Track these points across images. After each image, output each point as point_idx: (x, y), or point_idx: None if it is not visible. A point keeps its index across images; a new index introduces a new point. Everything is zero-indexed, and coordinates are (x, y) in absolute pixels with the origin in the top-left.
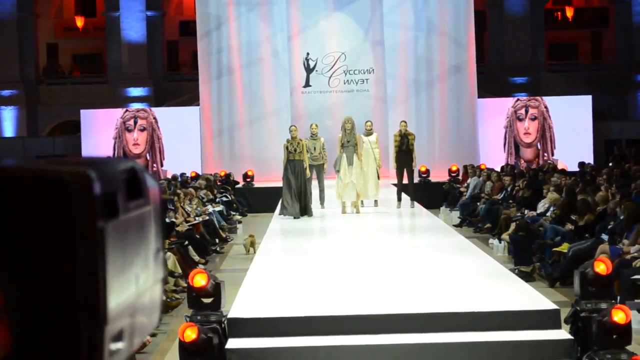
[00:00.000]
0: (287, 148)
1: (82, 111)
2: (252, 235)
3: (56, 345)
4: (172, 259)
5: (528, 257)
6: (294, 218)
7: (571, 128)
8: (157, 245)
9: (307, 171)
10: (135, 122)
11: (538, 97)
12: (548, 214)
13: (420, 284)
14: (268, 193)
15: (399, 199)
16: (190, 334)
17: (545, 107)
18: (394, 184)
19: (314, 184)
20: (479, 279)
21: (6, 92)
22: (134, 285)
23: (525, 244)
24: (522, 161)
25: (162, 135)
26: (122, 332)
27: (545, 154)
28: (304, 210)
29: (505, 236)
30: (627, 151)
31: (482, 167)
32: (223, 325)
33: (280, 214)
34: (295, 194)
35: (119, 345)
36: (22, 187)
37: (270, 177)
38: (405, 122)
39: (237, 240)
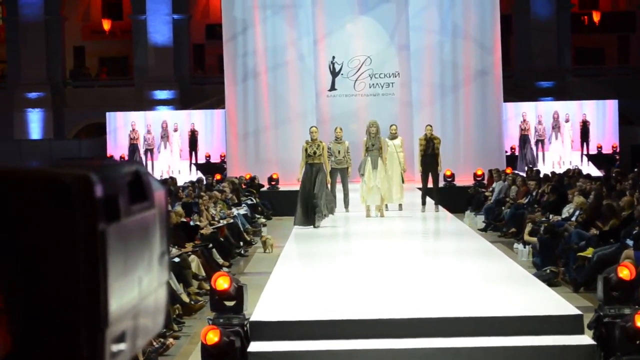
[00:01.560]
0: (306, 150)
1: (107, 114)
2: (268, 237)
3: (56, 347)
4: (196, 262)
5: (553, 259)
6: (301, 226)
7: (597, 132)
8: (162, 248)
9: (328, 177)
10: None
11: (575, 102)
12: (573, 218)
13: (443, 288)
14: (293, 196)
15: (423, 203)
16: (213, 337)
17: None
18: (419, 188)
19: (339, 187)
20: (502, 283)
21: (33, 95)
22: (137, 287)
23: (551, 246)
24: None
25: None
26: (124, 334)
27: (575, 165)
28: (309, 217)
29: (527, 238)
30: None
31: (508, 171)
32: (245, 328)
33: (295, 225)
34: (304, 200)
35: (121, 346)
36: (24, 189)
37: (295, 180)
38: (431, 126)
39: (261, 243)
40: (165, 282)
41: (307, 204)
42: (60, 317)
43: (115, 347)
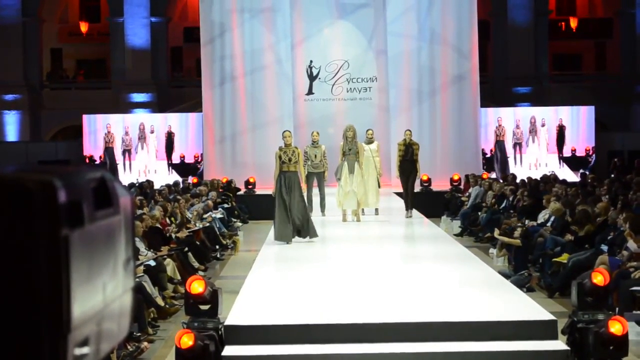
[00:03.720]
0: (279, 157)
1: (85, 116)
2: (235, 238)
3: (18, 351)
4: (172, 265)
5: (526, 264)
6: (287, 243)
7: (573, 137)
8: (127, 254)
9: (303, 184)
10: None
11: (552, 107)
12: (548, 224)
13: (418, 293)
14: (269, 200)
15: (407, 207)
16: (187, 341)
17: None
18: (398, 193)
19: (315, 191)
20: (478, 288)
21: (10, 97)
22: (101, 293)
23: (525, 252)
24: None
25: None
26: (88, 339)
27: (552, 171)
28: (301, 231)
29: (498, 236)
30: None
31: (484, 176)
32: (220, 332)
33: (276, 240)
34: (289, 213)
35: (84, 351)
36: None
37: (272, 184)
38: (410, 131)
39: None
40: (130, 287)
41: (289, 219)
42: (23, 322)
43: (78, 352)
